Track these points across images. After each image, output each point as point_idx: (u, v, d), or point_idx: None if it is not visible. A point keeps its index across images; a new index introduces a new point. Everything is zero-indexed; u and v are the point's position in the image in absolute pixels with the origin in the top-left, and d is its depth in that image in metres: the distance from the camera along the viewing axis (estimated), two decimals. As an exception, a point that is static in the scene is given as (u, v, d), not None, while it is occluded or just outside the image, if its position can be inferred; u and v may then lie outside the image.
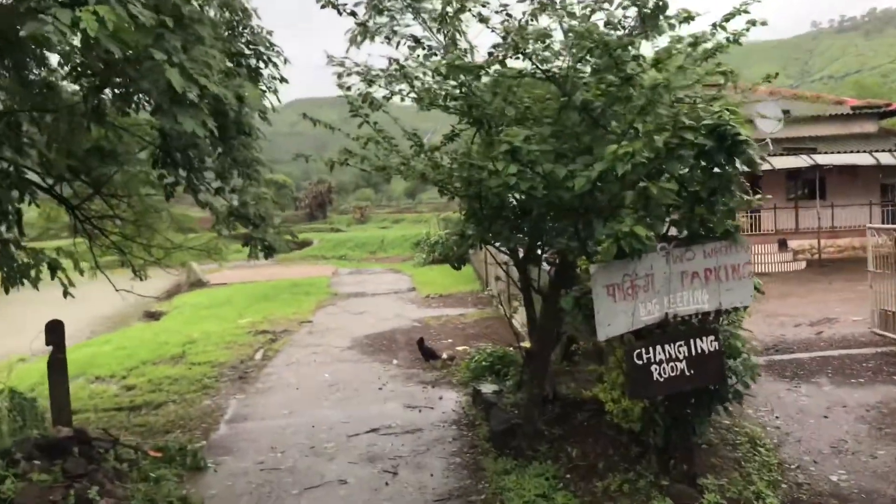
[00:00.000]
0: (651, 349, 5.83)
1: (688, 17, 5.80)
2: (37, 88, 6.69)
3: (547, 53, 5.91)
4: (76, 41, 4.47)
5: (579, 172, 5.24)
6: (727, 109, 5.42)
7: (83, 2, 4.14)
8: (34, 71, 6.63)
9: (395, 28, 8.56)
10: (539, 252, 8.68)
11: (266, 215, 7.80)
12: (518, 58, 6.60)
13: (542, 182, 5.49)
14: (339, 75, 8.47)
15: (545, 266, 9.71)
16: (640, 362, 5.80)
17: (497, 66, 6.18)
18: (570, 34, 5.69)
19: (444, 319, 18.07)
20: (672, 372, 5.88)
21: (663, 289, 5.84)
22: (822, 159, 23.04)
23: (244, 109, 6.51)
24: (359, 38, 8.44)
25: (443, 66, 6.36)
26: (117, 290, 12.15)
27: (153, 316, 25.70)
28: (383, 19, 8.54)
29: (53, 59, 6.76)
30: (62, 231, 12.58)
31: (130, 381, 13.27)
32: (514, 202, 8.68)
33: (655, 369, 5.84)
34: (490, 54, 6.84)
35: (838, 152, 24.25)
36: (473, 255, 33.03)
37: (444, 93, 8.07)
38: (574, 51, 5.69)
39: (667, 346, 5.88)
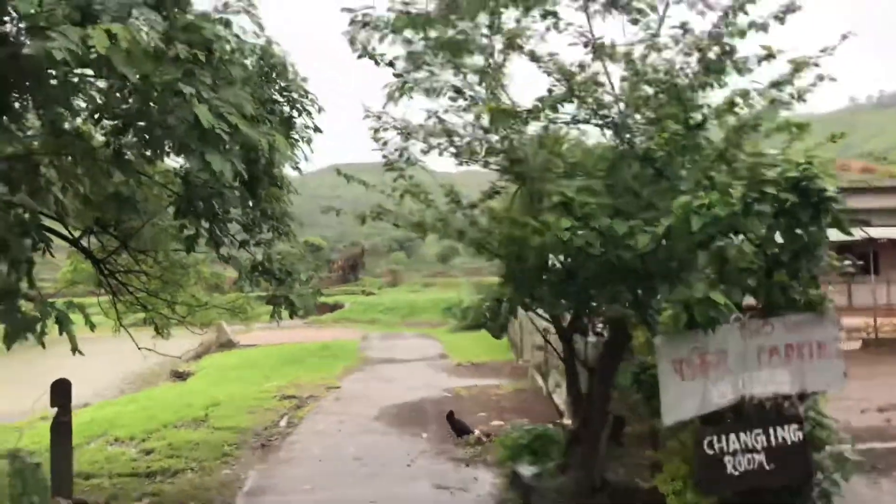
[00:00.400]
0: (724, 437, 5.02)
1: (769, 55, 5.19)
2: (59, 132, 6.31)
3: (604, 98, 5.35)
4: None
5: (641, 228, 4.59)
6: (809, 162, 4.76)
7: (95, 20, 3.71)
8: (58, 113, 6.25)
9: (435, 84, 8.14)
10: (586, 320, 7.95)
11: (293, 270, 7.25)
12: (568, 106, 6.08)
13: (598, 238, 4.83)
14: (376, 130, 8.04)
15: (591, 337, 8.96)
16: (712, 452, 4.99)
17: (547, 111, 5.61)
18: (631, 77, 5.12)
19: (476, 390, 17.19)
20: (749, 465, 5.06)
21: (738, 367, 5.07)
22: (875, 232, 22.00)
23: (275, 156, 6.02)
24: (396, 94, 8.02)
25: (487, 113, 5.82)
26: (139, 349, 11.68)
27: (180, 376, 25.18)
28: (422, 74, 8.13)
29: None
30: (87, 285, 12.22)
31: (150, 445, 12.61)
32: (559, 264, 8.03)
33: (729, 461, 5.03)
34: (537, 105, 6.33)
35: (893, 226, 23.19)
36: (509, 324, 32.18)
37: (484, 146, 7.56)
38: (635, 94, 5.11)
39: (742, 435, 5.07)
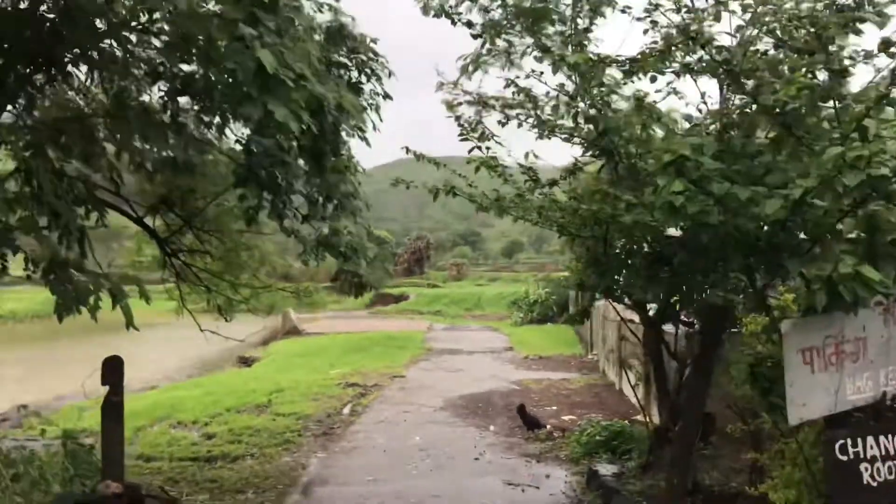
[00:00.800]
0: (860, 441, 4.20)
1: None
2: (114, 94, 5.92)
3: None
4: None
5: (766, 196, 3.81)
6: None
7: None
8: (113, 73, 5.85)
9: (513, 53, 7.46)
10: (678, 309, 7.16)
11: (359, 247, 6.70)
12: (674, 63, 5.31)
13: (714, 206, 4.04)
14: (450, 104, 7.41)
15: (673, 328, 8.13)
16: (845, 458, 4.18)
17: (655, 60, 4.86)
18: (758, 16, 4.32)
19: (545, 384, 16.44)
20: (889, 475, 4.23)
21: (879, 359, 4.25)
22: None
23: (343, 119, 5.47)
24: (471, 68, 7.39)
25: (580, 63, 5.11)
26: (202, 331, 11.42)
27: (246, 361, 25.26)
28: (500, 43, 7.47)
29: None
30: (152, 267, 12.02)
31: (211, 429, 12.38)
32: (647, 246, 7.26)
33: (866, 469, 4.21)
34: (637, 57, 5.57)
35: None
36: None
37: (571, 113, 6.86)
38: (761, 31, 4.31)
39: (882, 439, 4.25)
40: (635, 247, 7.23)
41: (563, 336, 27.27)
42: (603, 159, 7.35)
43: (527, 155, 7.19)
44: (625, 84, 6.98)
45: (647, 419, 8.62)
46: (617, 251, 7.37)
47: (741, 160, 4.59)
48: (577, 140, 7.46)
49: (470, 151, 6.83)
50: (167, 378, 24.05)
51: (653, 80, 5.07)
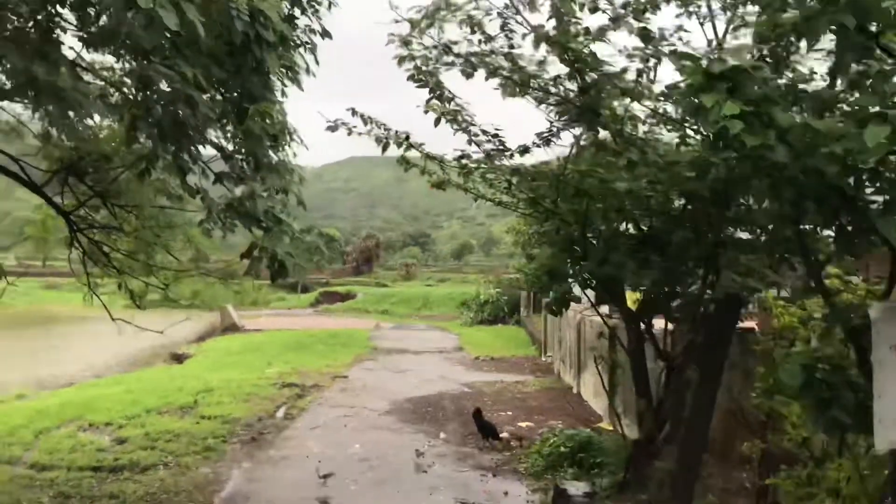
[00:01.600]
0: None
1: None
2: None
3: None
4: None
5: (853, 130, 2.63)
6: None
7: None
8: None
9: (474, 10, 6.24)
10: (670, 299, 5.99)
11: (285, 222, 5.31)
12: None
13: (775, 139, 2.80)
14: (401, 59, 6.11)
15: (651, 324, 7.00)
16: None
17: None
18: None
19: (498, 386, 15.24)
20: None
21: None
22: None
23: (264, 36, 4.12)
24: (424, 23, 6.12)
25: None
26: (113, 320, 9.85)
27: (178, 358, 23.46)
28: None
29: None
30: (59, 245, 10.37)
31: (125, 433, 10.81)
32: (634, 227, 6.12)
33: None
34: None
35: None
36: (526, 317, 30.14)
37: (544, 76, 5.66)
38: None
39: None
40: (623, 226, 6.08)
41: (514, 337, 26.21)
42: (582, 125, 6.16)
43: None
44: (614, 31, 5.85)
45: (621, 429, 7.46)
46: (599, 233, 6.21)
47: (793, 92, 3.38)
48: (553, 100, 6.29)
49: (428, 101, 5.56)
50: (90, 374, 22.12)
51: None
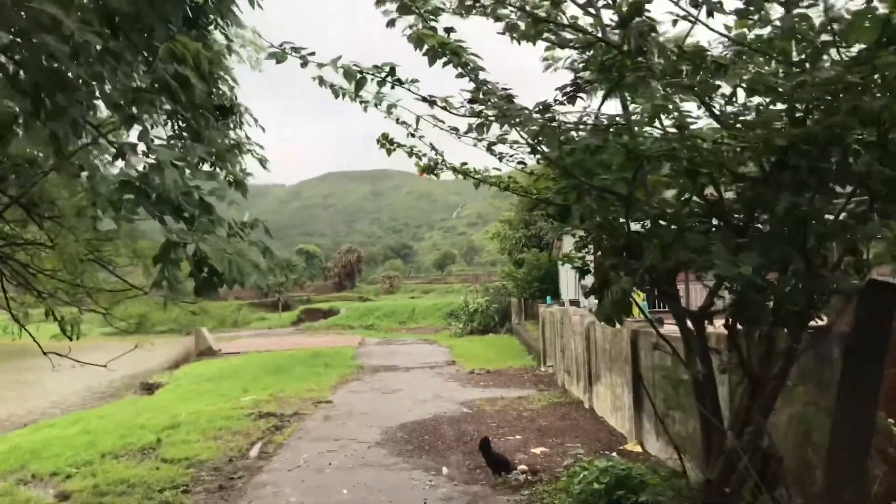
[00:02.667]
0: None
1: None
2: None
3: None
4: None
5: None
6: None
7: None
8: None
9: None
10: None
11: (217, 219, 3.59)
12: None
13: None
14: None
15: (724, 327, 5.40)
16: None
17: None
18: None
19: (501, 404, 13.59)
20: None
21: None
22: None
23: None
24: None
25: None
26: (45, 354, 8.12)
27: (149, 388, 21.62)
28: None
29: None
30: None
31: (71, 485, 9.10)
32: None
33: None
34: None
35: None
36: (518, 325, 28.61)
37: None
38: None
39: None
40: (694, 200, 4.51)
41: (508, 346, 24.64)
42: (612, 74, 4.58)
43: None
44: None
45: (682, 465, 5.82)
46: (660, 212, 4.62)
47: None
48: (575, 45, 4.73)
49: (412, 27, 3.92)
50: (58, 410, 20.21)
51: None
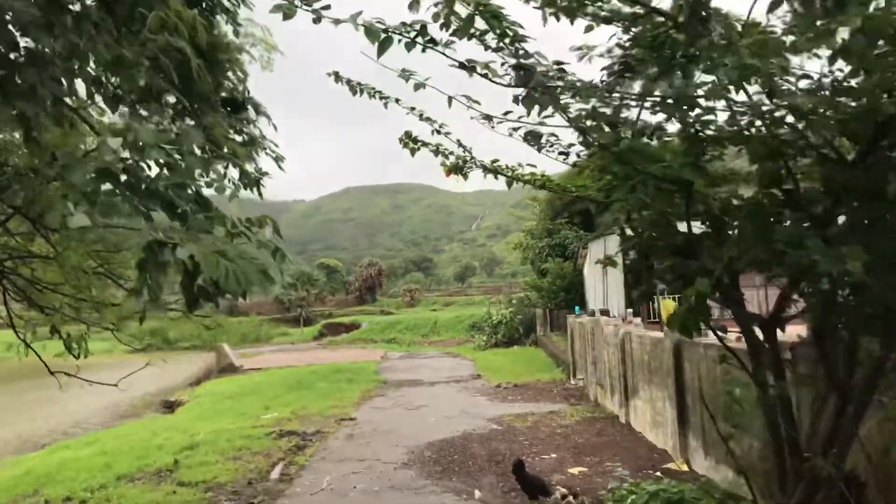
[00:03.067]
0: None
1: None
2: None
3: None
4: None
5: None
6: None
7: None
8: None
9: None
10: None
11: (210, 205, 3.02)
12: None
13: None
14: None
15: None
16: None
17: None
18: None
19: (531, 420, 12.95)
20: None
21: None
22: None
23: None
24: None
25: None
26: (52, 374, 7.65)
27: (170, 406, 21.22)
28: None
29: None
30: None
31: (85, 512, 8.62)
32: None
33: None
34: None
35: None
36: (543, 336, 27.90)
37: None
38: None
39: None
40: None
41: (535, 359, 23.95)
42: (664, 51, 4.05)
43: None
44: None
45: (678, 468, 5.17)
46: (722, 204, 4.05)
47: None
48: (619, 16, 4.21)
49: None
50: (79, 430, 19.88)
51: None
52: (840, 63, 3.23)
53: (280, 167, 5.15)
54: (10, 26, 2.68)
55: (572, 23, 4.10)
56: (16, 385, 30.88)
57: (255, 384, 20.78)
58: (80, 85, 3.11)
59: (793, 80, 3.66)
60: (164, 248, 2.44)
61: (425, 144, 5.05)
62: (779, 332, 4.27)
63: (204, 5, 3.89)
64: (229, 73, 4.46)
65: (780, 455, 4.65)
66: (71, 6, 2.84)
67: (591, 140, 3.88)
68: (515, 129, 4.20)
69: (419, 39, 2.79)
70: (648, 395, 10.56)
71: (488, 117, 4.10)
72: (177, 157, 2.66)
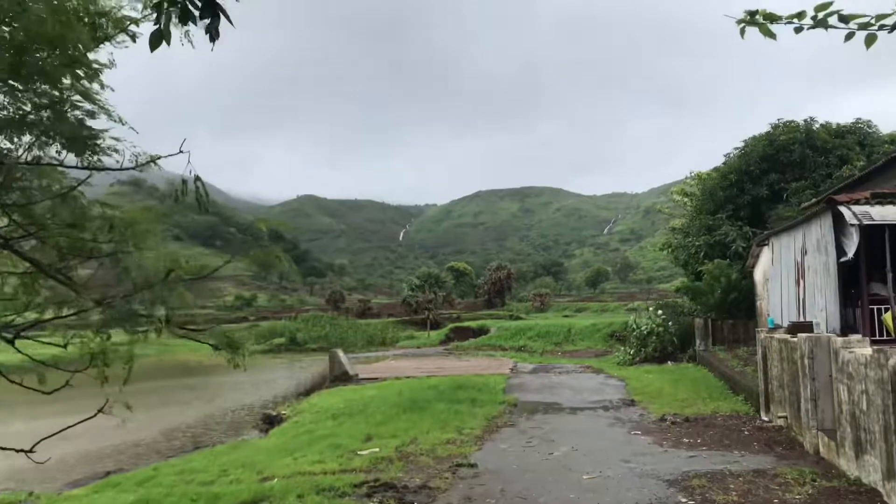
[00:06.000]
0: None
1: None
2: None
3: None
4: None
5: None
6: None
7: None
8: None
9: None
10: None
11: None
12: None
13: None
14: None
15: None
16: None
17: None
18: None
19: (734, 486, 8.46)
20: None
21: None
22: None
23: None
24: None
25: None
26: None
27: (270, 422, 18.30)
28: None
29: None
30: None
31: None
32: None
33: None
34: None
35: None
36: (705, 351, 22.75)
37: None
38: None
39: None
40: None
41: (700, 380, 19.00)
42: None
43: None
44: None
45: None
46: None
47: None
48: None
49: None
50: (163, 447, 17.39)
51: None
52: None
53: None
54: None
55: None
56: (148, 384, 29.55)
57: (364, 401, 17.37)
58: None
59: None
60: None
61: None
62: None
63: None
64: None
65: None
66: None
67: None
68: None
69: None
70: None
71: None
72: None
